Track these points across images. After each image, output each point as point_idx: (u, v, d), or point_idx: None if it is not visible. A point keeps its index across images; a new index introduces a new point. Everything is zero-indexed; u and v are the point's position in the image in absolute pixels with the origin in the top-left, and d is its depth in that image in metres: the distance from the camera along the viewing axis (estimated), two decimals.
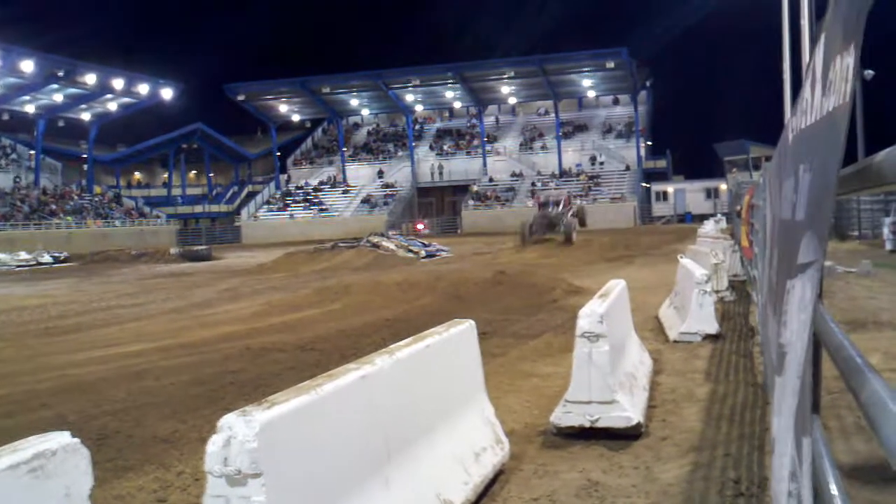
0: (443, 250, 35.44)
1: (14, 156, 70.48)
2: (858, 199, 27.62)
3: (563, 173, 71.63)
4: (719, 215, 45.38)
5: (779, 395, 2.33)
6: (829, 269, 16.07)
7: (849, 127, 1.61)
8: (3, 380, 9.65)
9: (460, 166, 76.71)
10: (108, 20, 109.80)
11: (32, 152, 70.44)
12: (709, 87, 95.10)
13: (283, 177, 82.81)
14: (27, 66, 58.67)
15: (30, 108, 68.16)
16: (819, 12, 14.50)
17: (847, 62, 1.58)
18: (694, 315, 10.45)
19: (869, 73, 28.12)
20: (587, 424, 6.08)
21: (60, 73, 62.28)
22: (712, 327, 10.44)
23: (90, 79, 64.28)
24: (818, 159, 1.83)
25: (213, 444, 3.00)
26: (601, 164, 72.32)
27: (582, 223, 36.22)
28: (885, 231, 23.59)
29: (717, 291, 12.78)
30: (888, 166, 1.53)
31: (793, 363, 2.06)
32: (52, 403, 8.26)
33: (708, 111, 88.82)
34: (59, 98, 67.99)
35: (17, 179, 66.26)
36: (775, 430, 2.41)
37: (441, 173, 77.19)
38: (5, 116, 68.96)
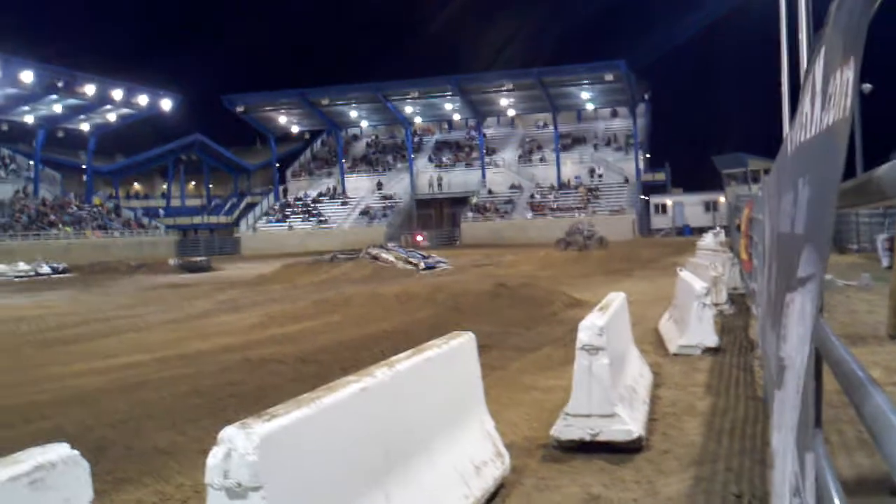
0: (442, 262, 35.39)
1: (13, 166, 70.50)
2: (857, 212, 27.63)
3: (562, 185, 71.68)
4: (718, 228, 45.45)
5: (778, 410, 2.32)
6: (828, 282, 16.06)
7: (848, 141, 1.61)
8: (1, 391, 9.63)
9: (459, 178, 76.75)
10: (108, 31, 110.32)
11: (32, 163, 70.43)
12: (707, 99, 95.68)
13: (282, 188, 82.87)
14: (27, 76, 58.74)
15: (29, 119, 68.24)
16: (818, 25, 14.53)
17: (847, 76, 1.58)
18: (693, 328, 10.44)
19: (867, 87, 28.17)
20: (588, 438, 6.07)
21: (60, 84, 62.34)
22: (712, 340, 10.43)
23: (90, 89, 64.32)
24: (817, 173, 1.84)
25: (214, 457, 3.00)
26: (600, 176, 72.33)
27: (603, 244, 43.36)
28: (879, 248, 23.58)
29: (716, 304, 12.77)
30: (888, 181, 1.53)
31: (792, 377, 2.06)
32: (51, 415, 8.24)
33: (706, 124, 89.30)
34: (58, 109, 68.06)
35: (18, 192, 66.10)
36: (775, 445, 2.40)
37: (440, 185, 77.18)
38: (4, 127, 69.16)
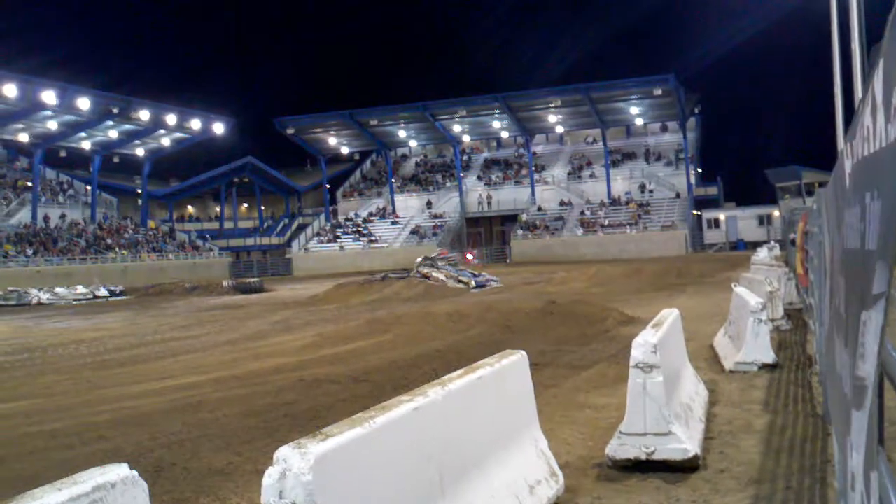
0: (492, 280, 35.34)
1: (71, 192, 72.20)
2: None
3: (613, 202, 71.18)
4: (773, 242, 44.74)
5: (857, 430, 2.26)
6: (894, 297, 15.72)
7: None
8: (61, 413, 9.81)
9: (509, 196, 76.65)
10: (161, 57, 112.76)
11: (89, 188, 72.12)
12: (759, 112, 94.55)
13: (333, 208, 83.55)
14: (83, 103, 60.05)
15: (86, 145, 69.79)
16: (870, 36, 14.29)
17: None
18: (749, 344, 10.27)
19: None
20: (643, 457, 5.99)
21: (115, 110, 63.69)
22: (769, 357, 10.25)
23: (144, 115, 65.51)
24: (886, 187, 1.79)
25: (269, 477, 3.01)
26: (651, 191, 71.68)
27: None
28: None
29: (772, 320, 12.56)
30: None
31: (870, 396, 2.01)
32: (109, 436, 8.37)
33: (758, 137, 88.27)
34: (114, 134, 69.58)
35: (64, 216, 67.44)
36: (854, 467, 2.34)
37: (489, 203, 77.17)
38: (63, 154, 70.69)
